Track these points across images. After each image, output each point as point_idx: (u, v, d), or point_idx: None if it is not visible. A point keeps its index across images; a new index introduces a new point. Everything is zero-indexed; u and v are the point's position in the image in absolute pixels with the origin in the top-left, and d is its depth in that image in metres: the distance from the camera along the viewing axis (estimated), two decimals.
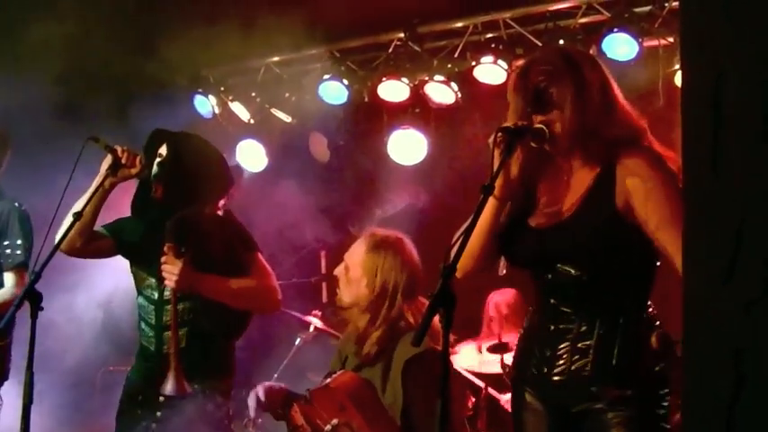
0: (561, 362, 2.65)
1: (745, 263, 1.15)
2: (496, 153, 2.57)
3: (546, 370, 2.68)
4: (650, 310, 2.68)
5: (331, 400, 3.48)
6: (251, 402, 3.66)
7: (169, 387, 3.58)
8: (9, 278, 4.46)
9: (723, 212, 1.19)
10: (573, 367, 2.63)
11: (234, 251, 3.81)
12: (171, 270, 3.63)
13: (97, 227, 3.91)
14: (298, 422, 3.59)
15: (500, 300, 6.10)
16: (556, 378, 2.66)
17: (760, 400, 1.12)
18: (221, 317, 3.77)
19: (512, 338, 5.27)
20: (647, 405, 2.57)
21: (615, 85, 2.72)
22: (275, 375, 5.44)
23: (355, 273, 3.62)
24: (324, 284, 6.92)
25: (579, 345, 2.63)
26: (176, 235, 3.69)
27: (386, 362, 3.50)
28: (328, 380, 3.59)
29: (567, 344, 2.65)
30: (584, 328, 2.63)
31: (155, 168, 3.76)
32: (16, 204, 4.58)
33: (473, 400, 5.46)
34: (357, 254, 3.65)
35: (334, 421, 3.42)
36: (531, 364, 2.74)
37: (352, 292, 3.62)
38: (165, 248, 3.66)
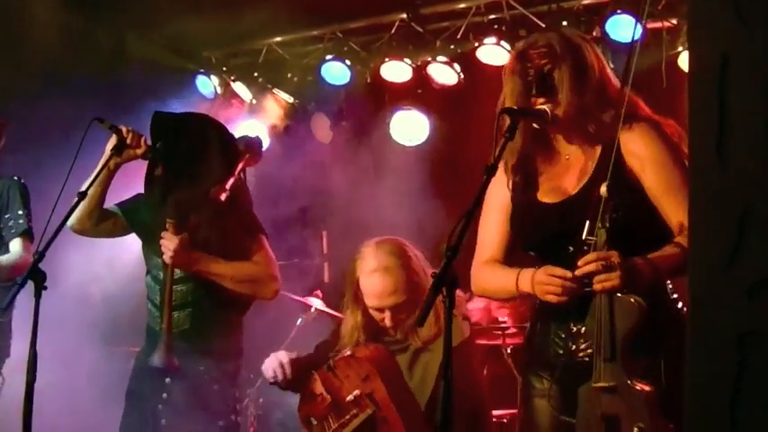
0: (588, 337, 2.59)
1: (748, 248, 1.16)
2: (499, 134, 2.59)
3: (573, 347, 2.67)
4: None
5: (355, 369, 3.46)
6: (273, 369, 3.61)
7: (156, 359, 3.62)
8: (16, 244, 4.55)
9: (727, 198, 1.20)
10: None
11: (236, 235, 3.81)
12: (168, 245, 3.66)
13: (112, 206, 3.93)
14: (316, 391, 3.55)
15: None
16: (582, 353, 2.64)
17: (762, 384, 1.14)
18: (224, 296, 3.78)
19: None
20: (676, 374, 2.50)
21: (607, 65, 2.79)
22: None
23: (385, 284, 3.51)
24: (326, 265, 6.94)
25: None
26: (177, 212, 3.71)
27: (415, 346, 3.48)
28: (348, 351, 3.55)
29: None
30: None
31: (155, 152, 3.77)
32: (15, 178, 4.67)
33: None
34: (376, 267, 3.54)
35: (357, 392, 3.42)
36: (550, 345, 2.73)
37: (392, 299, 3.51)
38: (167, 224, 3.69)
